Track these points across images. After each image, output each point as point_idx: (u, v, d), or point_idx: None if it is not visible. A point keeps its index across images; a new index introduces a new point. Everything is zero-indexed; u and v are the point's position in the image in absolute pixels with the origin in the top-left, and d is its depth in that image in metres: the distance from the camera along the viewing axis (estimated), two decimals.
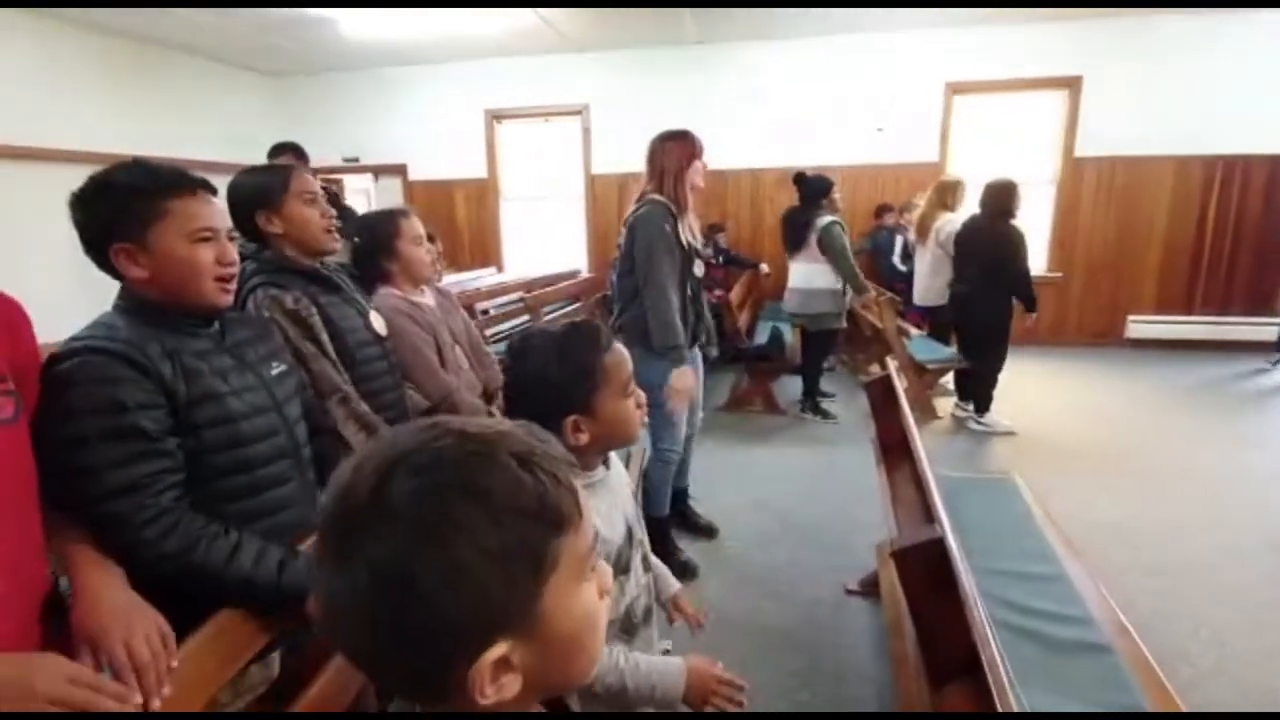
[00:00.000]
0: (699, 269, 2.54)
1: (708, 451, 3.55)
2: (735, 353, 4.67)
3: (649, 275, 2.38)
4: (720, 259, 5.89)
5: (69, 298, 1.18)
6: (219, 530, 1.04)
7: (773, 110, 6.34)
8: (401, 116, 7.12)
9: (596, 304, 5.22)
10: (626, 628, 1.12)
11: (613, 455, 1.19)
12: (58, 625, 0.89)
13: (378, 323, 1.71)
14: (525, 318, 4.49)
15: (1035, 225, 6.01)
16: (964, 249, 4.09)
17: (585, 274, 6.66)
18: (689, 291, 2.48)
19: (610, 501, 1.10)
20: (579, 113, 6.74)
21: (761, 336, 4.76)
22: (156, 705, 0.81)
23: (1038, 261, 6.09)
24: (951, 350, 4.48)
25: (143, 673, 0.82)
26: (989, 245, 3.91)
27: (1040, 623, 1.51)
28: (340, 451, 1.44)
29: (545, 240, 7.17)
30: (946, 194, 4.54)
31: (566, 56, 6.57)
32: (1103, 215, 6.07)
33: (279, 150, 3.43)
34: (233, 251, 1.13)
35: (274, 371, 1.24)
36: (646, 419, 1.14)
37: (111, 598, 0.89)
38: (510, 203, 7.20)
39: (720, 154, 5.80)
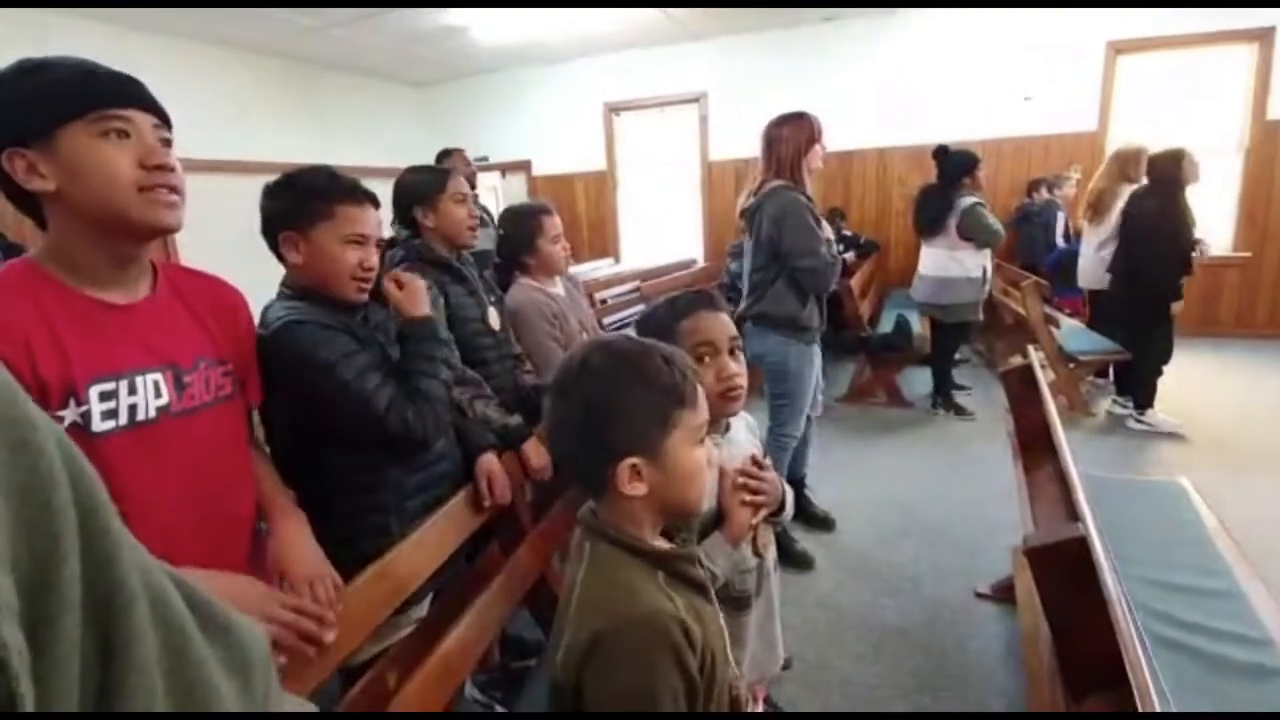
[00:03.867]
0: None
1: (826, 443, 3.44)
2: (857, 342, 4.47)
3: (804, 257, 2.37)
4: (844, 245, 5.66)
5: (251, 290, 1.39)
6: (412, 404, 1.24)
7: (903, 85, 5.96)
8: (526, 115, 7.44)
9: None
10: (736, 601, 1.14)
11: (738, 422, 1.27)
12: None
13: (493, 318, 1.84)
14: (640, 307, 4.57)
15: (1219, 199, 5.26)
16: (1128, 225, 3.66)
17: (701, 263, 6.65)
18: None
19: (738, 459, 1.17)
20: (696, 100, 6.72)
21: (886, 325, 4.53)
22: (328, 638, 0.96)
23: (1221, 240, 5.33)
24: (1110, 342, 4.02)
25: (318, 611, 0.98)
26: (1153, 222, 3.48)
27: (1206, 641, 1.35)
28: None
29: (662, 230, 7.23)
30: (1128, 164, 3.95)
31: (684, 46, 6.56)
32: None
33: (444, 155, 3.82)
34: (374, 259, 1.27)
35: None
36: (733, 393, 1.16)
37: (304, 544, 1.07)
38: (628, 193, 7.33)
39: (844, 134, 5.52)
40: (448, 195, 1.75)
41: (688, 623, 0.72)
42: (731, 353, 1.15)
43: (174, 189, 0.90)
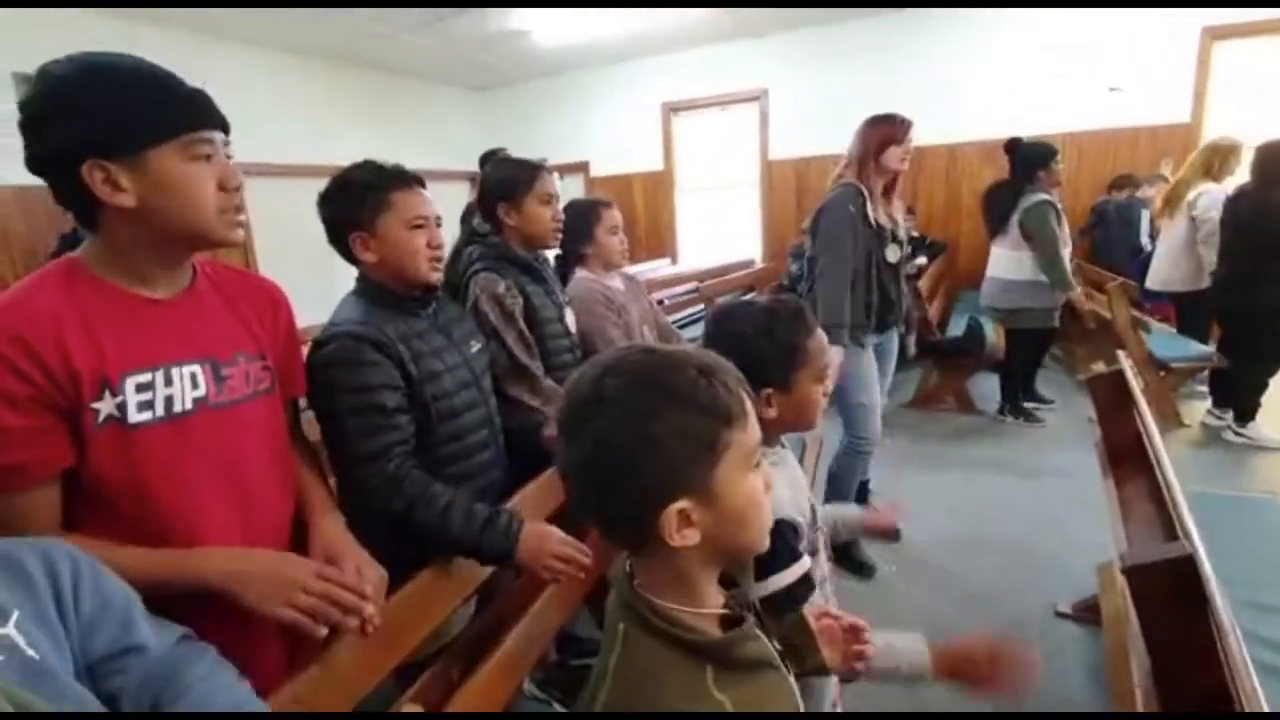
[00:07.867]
0: (892, 254, 2.42)
1: (891, 449, 3.33)
2: (925, 346, 4.29)
3: (825, 252, 2.37)
4: (910, 246, 5.43)
5: (318, 290, 1.43)
6: (436, 493, 1.18)
7: (975, 77, 5.70)
8: (585, 117, 7.49)
9: (772, 292, 5.10)
10: None
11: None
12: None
13: (570, 318, 1.84)
14: (699, 307, 4.53)
15: None
16: (1230, 223, 3.39)
17: (759, 264, 6.55)
18: (875, 274, 2.37)
19: (792, 480, 1.09)
20: (756, 99, 6.62)
21: (956, 328, 4.35)
22: (369, 611, 0.94)
23: None
24: (1204, 348, 3.72)
25: (356, 585, 0.96)
26: (1257, 219, 3.21)
27: None
28: (516, 415, 1.56)
29: (720, 230, 7.15)
30: (1214, 159, 3.65)
31: (744, 43, 6.46)
32: None
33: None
34: (441, 236, 1.30)
35: (473, 349, 1.39)
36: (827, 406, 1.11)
37: (345, 535, 1.07)
38: (686, 193, 7.29)
39: (913, 129, 5.30)
40: (534, 195, 1.71)
41: None
42: None
43: (240, 206, 0.93)
